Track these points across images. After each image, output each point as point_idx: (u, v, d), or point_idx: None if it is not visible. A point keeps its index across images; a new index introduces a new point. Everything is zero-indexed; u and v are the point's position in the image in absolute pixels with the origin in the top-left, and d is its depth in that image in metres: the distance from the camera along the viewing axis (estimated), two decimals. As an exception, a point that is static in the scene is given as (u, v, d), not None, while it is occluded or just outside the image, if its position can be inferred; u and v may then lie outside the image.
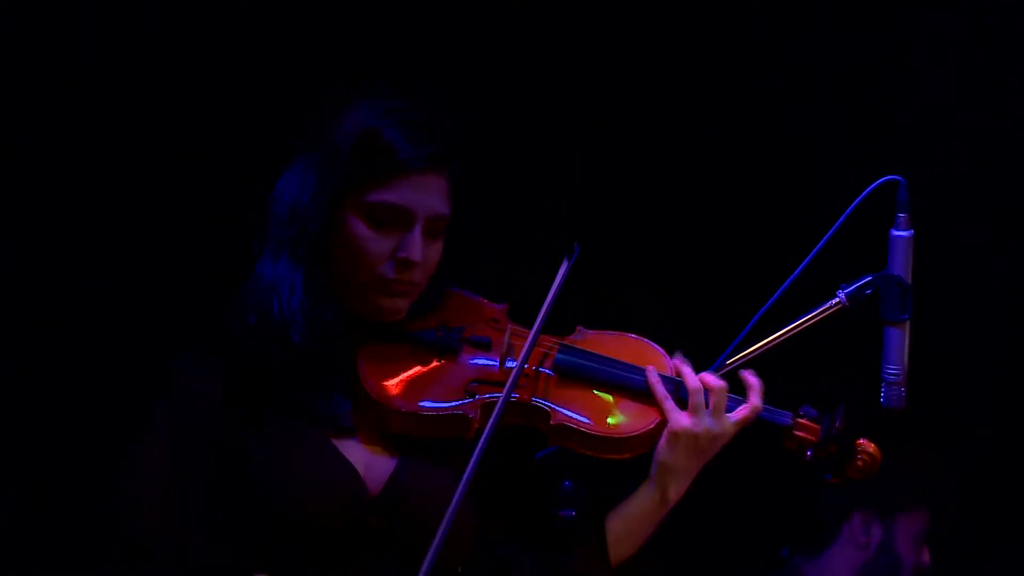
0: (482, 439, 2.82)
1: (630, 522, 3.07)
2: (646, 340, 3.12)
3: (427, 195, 2.93)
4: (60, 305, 4.08)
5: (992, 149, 4.52)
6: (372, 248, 2.91)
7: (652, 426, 3.01)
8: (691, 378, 3.03)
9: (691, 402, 3.01)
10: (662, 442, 3.01)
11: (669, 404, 3.01)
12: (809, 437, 3.06)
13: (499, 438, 2.88)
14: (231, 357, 2.93)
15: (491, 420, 2.85)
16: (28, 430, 4.05)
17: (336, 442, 2.93)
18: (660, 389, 3.01)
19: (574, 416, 2.98)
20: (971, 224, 4.54)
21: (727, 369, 3.10)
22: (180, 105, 4.11)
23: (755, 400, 3.04)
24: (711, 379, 3.03)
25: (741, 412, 3.03)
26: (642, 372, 3.04)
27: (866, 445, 3.08)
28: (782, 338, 3.11)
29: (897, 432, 3.64)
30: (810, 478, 3.16)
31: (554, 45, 4.42)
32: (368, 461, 2.94)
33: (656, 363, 3.07)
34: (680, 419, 3.00)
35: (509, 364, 2.99)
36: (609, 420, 3.00)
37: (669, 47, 4.49)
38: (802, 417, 3.07)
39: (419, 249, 2.92)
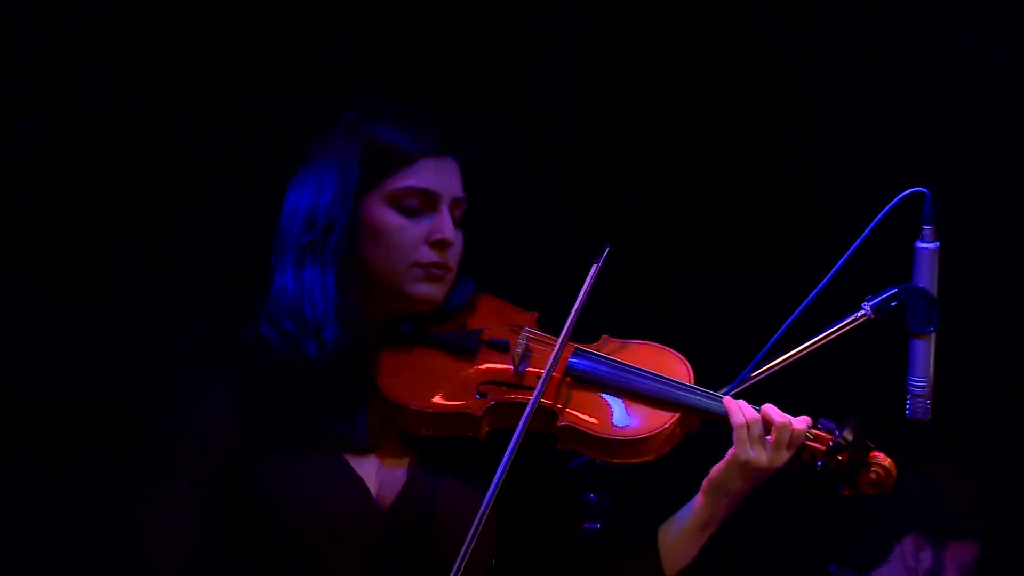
0: (510, 446, 2.86)
1: (680, 537, 3.07)
2: (669, 349, 3.12)
3: (446, 177, 2.99)
4: (70, 316, 4.09)
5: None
6: (406, 235, 2.96)
7: (662, 429, 3.00)
8: (779, 416, 3.02)
9: (763, 438, 3.00)
10: (721, 465, 3.03)
11: (743, 434, 3.00)
12: (819, 447, 3.03)
13: (519, 449, 2.89)
14: (246, 376, 2.95)
15: (519, 426, 2.88)
16: (34, 440, 4.06)
17: (349, 457, 2.95)
18: (739, 418, 3.00)
19: (582, 418, 2.98)
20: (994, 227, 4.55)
21: (752, 382, 3.10)
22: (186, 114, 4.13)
23: (797, 424, 3.03)
24: (779, 416, 3.02)
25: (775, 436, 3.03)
26: (661, 380, 3.03)
27: (881, 458, 3.04)
28: (808, 350, 3.11)
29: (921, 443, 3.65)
30: (823, 490, 3.13)
31: (581, 56, 4.44)
32: (381, 475, 2.96)
33: (676, 372, 3.07)
34: (748, 451, 3.00)
35: (523, 367, 3.00)
36: (618, 423, 3.00)
37: (698, 53, 4.50)
38: (819, 428, 3.05)
39: (451, 228, 2.97)
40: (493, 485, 2.84)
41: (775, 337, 3.12)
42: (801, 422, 3.02)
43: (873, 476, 3.04)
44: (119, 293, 4.09)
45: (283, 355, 2.93)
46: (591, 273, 2.99)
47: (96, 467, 4.01)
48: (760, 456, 3.00)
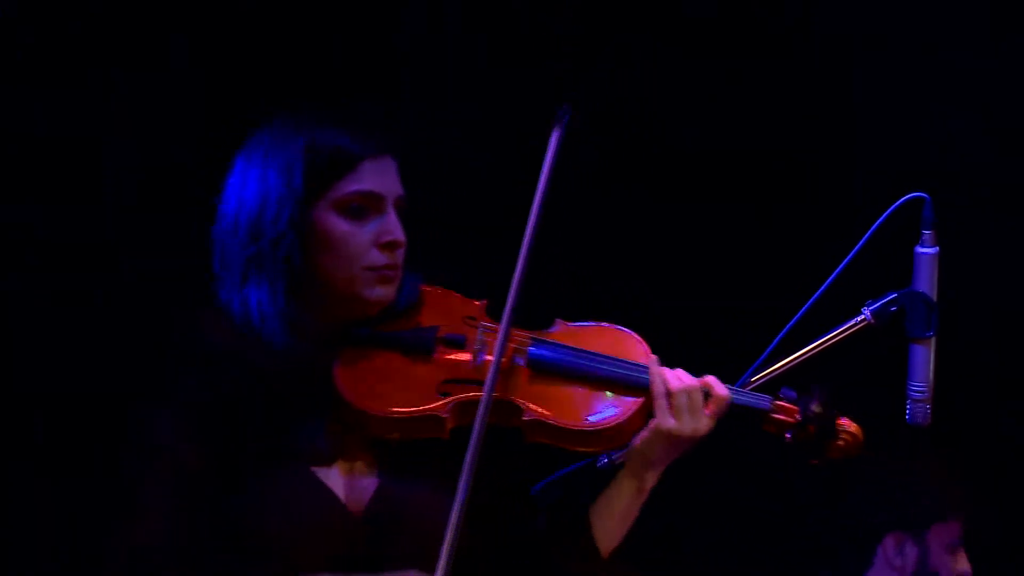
0: (471, 445, 2.83)
1: (610, 513, 3.06)
2: (624, 329, 3.10)
3: (388, 177, 2.99)
4: (70, 316, 4.09)
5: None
6: (355, 240, 2.95)
7: (627, 417, 2.99)
8: (675, 381, 3.02)
9: (676, 403, 3.00)
10: (644, 435, 3.02)
11: (663, 402, 3.00)
12: (787, 419, 3.05)
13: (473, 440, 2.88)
14: (206, 386, 2.93)
15: (477, 424, 2.85)
16: (34, 440, 4.06)
17: (316, 469, 2.93)
18: (660, 387, 3.01)
19: (547, 411, 2.97)
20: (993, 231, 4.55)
21: (753, 386, 3.10)
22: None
23: (721, 391, 3.04)
24: (688, 378, 3.03)
25: (711, 407, 3.03)
26: (618, 363, 3.02)
27: (847, 424, 3.07)
28: (808, 355, 3.12)
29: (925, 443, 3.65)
30: (793, 461, 3.14)
31: (581, 56, 4.44)
32: (349, 483, 2.95)
33: (633, 352, 3.06)
34: (668, 420, 3.00)
35: (481, 359, 2.98)
36: (583, 413, 2.98)
37: (688, 54, 4.50)
38: (781, 399, 3.06)
39: (399, 228, 2.97)
40: (463, 484, 2.81)
41: (775, 341, 3.13)
42: (724, 389, 3.03)
43: (841, 443, 3.06)
44: (119, 293, 4.10)
45: (236, 365, 2.92)
46: (553, 138, 3.01)
47: (96, 467, 4.01)
48: (684, 425, 3.00)
